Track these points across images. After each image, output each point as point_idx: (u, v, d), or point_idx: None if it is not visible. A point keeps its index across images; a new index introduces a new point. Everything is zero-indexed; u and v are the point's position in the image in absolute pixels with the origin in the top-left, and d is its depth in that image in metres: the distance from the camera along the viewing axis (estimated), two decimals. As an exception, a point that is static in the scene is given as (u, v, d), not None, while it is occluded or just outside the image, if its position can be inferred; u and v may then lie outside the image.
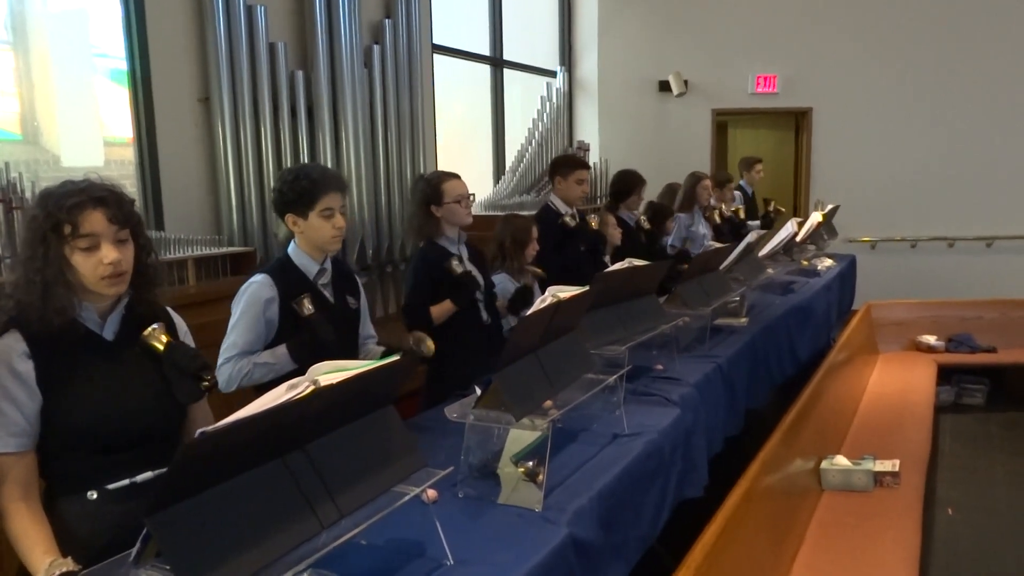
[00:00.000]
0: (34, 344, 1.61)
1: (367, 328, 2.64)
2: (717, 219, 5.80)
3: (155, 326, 1.74)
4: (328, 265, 2.45)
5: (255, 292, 2.32)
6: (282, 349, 2.31)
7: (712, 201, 5.97)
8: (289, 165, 4.60)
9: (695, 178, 5.57)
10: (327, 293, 2.44)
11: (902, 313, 6.04)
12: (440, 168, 5.54)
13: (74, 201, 1.59)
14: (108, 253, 1.62)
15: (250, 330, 2.31)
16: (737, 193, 6.58)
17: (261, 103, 4.46)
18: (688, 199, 5.53)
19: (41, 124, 3.87)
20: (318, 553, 1.39)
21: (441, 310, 3.01)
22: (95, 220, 1.61)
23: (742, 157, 6.98)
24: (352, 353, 2.49)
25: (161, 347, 1.73)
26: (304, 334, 2.28)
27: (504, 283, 3.41)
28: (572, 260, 3.92)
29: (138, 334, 1.73)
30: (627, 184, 4.92)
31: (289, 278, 2.36)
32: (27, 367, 1.60)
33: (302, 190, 2.33)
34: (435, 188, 3.04)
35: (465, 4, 6.94)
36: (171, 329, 1.81)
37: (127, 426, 1.67)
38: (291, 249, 2.42)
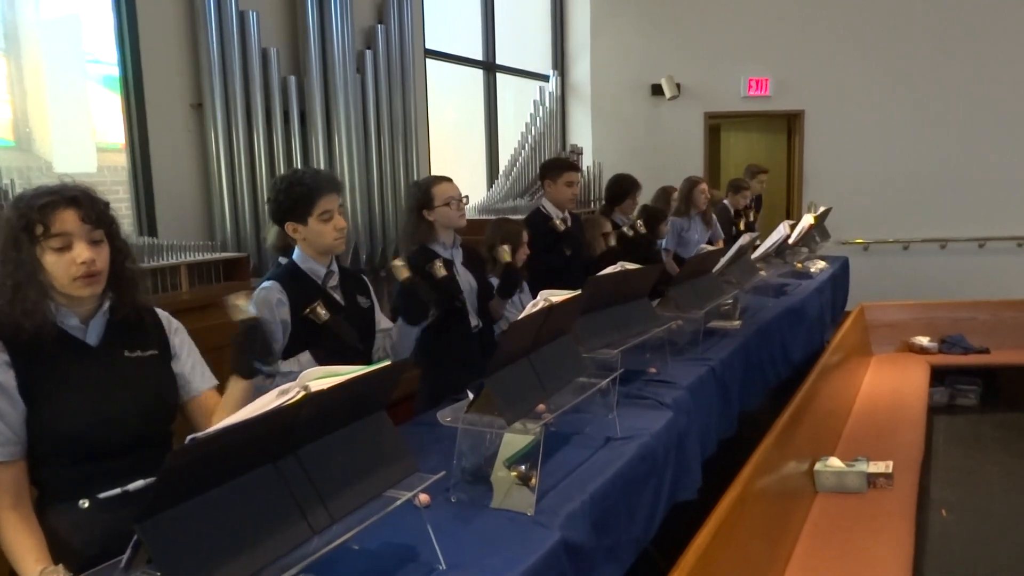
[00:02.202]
0: (14, 353, 1.60)
1: (382, 322, 2.62)
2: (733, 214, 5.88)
3: (244, 292, 1.86)
4: (335, 267, 2.44)
5: (264, 297, 2.30)
6: (306, 356, 2.29)
7: (726, 202, 6.05)
8: (281, 172, 4.60)
9: (691, 182, 5.59)
10: (337, 296, 2.43)
11: (895, 314, 6.06)
12: (433, 173, 5.54)
13: (45, 201, 1.58)
14: (81, 252, 1.60)
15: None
16: None
17: (254, 108, 4.46)
18: (685, 203, 5.55)
19: (33, 130, 3.86)
20: (310, 558, 1.39)
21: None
22: (67, 219, 1.59)
23: (748, 164, 6.98)
24: (364, 355, 2.48)
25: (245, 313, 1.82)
26: (327, 339, 2.28)
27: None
28: (560, 264, 3.93)
29: (122, 339, 1.72)
30: (622, 188, 4.94)
31: (298, 284, 2.35)
32: (7, 376, 1.59)
33: (297, 196, 2.31)
34: (425, 192, 3.04)
35: (457, 9, 6.95)
36: (159, 331, 1.81)
37: (114, 432, 1.66)
38: (296, 256, 2.40)
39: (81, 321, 1.69)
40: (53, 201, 1.59)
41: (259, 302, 2.29)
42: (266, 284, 2.34)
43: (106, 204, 1.68)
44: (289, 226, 2.36)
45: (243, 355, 1.81)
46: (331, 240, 2.35)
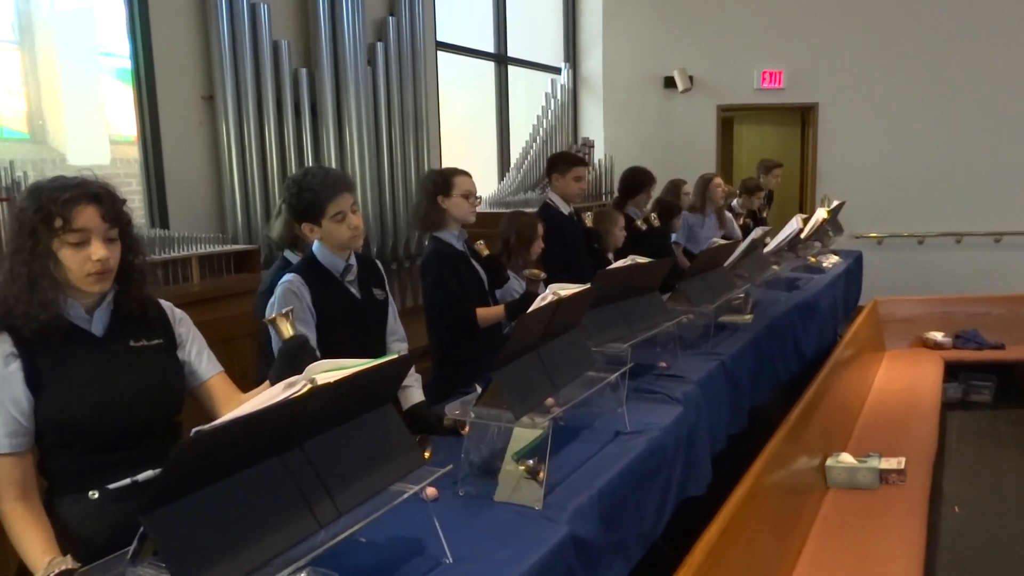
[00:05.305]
0: (21, 343, 1.60)
1: (395, 324, 2.63)
2: (741, 220, 5.82)
3: (287, 310, 1.85)
4: (353, 260, 2.46)
5: (288, 289, 2.31)
6: None
7: (735, 203, 5.98)
8: (293, 165, 4.61)
9: (706, 179, 5.55)
10: (354, 289, 2.46)
11: (909, 309, 6.01)
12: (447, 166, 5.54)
13: (69, 195, 1.59)
14: (97, 250, 1.61)
15: (303, 326, 2.24)
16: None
17: (265, 101, 4.47)
18: (701, 199, 5.51)
19: (47, 123, 3.88)
20: (316, 551, 1.39)
21: (491, 314, 3.03)
22: (89, 216, 1.60)
23: (762, 159, 6.91)
24: (380, 347, 2.51)
25: (288, 335, 1.82)
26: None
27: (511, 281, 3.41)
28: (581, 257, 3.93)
29: (127, 328, 1.73)
30: (637, 181, 4.92)
31: (318, 277, 2.38)
32: (14, 367, 1.60)
33: (308, 202, 2.32)
34: (446, 180, 3.08)
35: (469, 1, 6.93)
36: (163, 321, 1.81)
37: (121, 421, 1.67)
38: (316, 249, 2.42)
39: (86, 311, 1.70)
40: (76, 196, 1.59)
41: (284, 295, 2.30)
42: (288, 277, 2.34)
43: (123, 202, 1.69)
44: (305, 227, 2.37)
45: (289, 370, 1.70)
46: (347, 238, 2.36)
